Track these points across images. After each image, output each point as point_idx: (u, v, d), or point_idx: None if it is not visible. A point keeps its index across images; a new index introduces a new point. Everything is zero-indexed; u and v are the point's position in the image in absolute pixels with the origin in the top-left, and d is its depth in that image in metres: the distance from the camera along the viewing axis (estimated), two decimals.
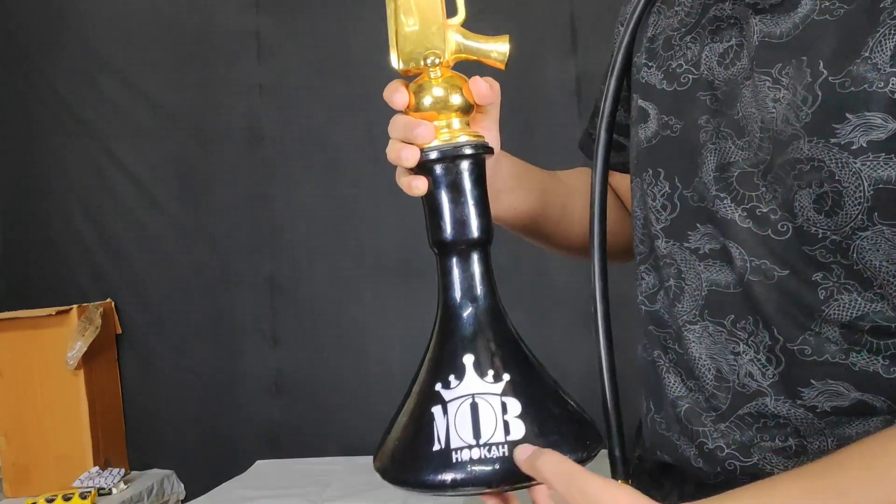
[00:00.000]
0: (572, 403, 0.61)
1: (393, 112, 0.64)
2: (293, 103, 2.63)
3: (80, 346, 2.48)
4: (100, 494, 2.33)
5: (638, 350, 0.78)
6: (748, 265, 0.64)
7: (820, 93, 0.59)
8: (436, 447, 0.57)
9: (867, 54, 0.57)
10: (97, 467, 2.46)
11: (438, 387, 0.59)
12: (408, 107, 0.63)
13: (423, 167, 0.62)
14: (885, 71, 0.56)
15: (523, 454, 0.56)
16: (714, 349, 0.67)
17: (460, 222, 0.62)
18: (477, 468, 0.56)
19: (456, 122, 0.63)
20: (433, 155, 0.61)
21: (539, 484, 0.57)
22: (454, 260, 0.62)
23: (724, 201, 0.65)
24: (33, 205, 2.80)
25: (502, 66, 0.65)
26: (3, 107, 2.82)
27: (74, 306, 2.54)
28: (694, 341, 0.69)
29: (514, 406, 0.58)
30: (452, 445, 0.57)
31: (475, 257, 0.62)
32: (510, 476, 0.56)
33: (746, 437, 0.66)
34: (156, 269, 2.71)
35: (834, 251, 0.60)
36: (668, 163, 0.71)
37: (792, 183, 0.60)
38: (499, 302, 0.63)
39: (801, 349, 0.62)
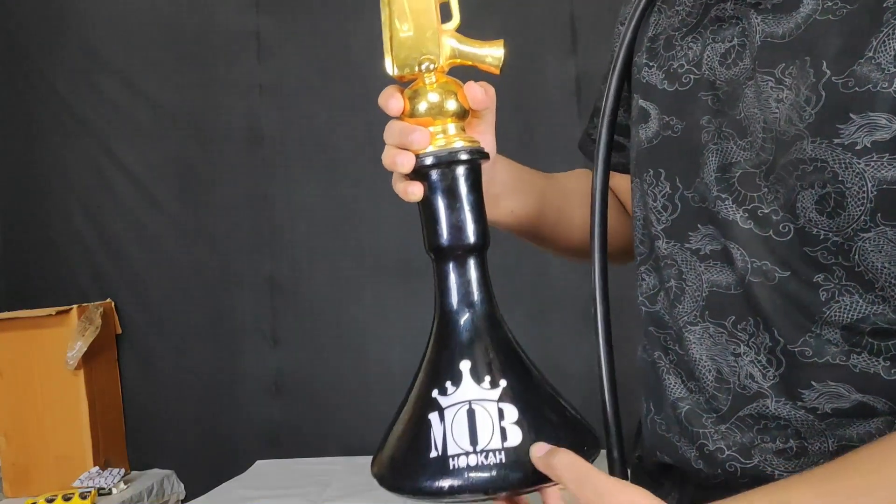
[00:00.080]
0: (570, 409, 0.61)
1: (389, 116, 0.64)
2: (293, 103, 2.63)
3: (80, 346, 2.48)
4: (100, 494, 2.33)
5: (638, 351, 0.77)
6: (749, 266, 0.64)
7: (823, 93, 0.58)
8: (433, 454, 0.57)
9: (871, 54, 0.57)
10: (97, 467, 2.46)
11: (435, 393, 0.58)
12: (403, 112, 0.63)
13: (419, 173, 0.62)
14: (889, 71, 0.56)
15: (539, 451, 0.56)
16: (714, 350, 0.67)
17: (456, 228, 0.61)
18: (474, 475, 0.56)
19: (451, 127, 0.63)
20: (429, 161, 0.61)
21: (541, 488, 0.57)
22: (451, 265, 0.62)
23: (726, 202, 0.65)
24: (33, 205, 2.80)
25: (497, 71, 0.65)
26: (3, 107, 2.82)
27: (74, 306, 2.54)
28: (694, 342, 0.68)
29: (511, 412, 0.57)
30: (449, 452, 0.56)
31: (472, 263, 0.62)
32: (507, 482, 0.56)
33: (747, 439, 0.66)
34: (156, 269, 2.71)
35: (835, 252, 0.60)
36: (669, 163, 0.71)
37: (794, 183, 0.60)
38: (496, 308, 0.63)
39: (802, 351, 0.62)
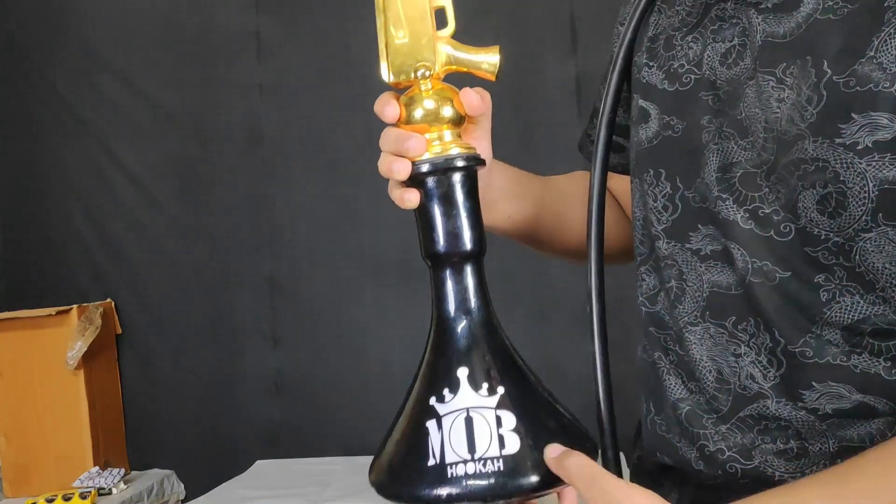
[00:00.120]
0: (567, 415, 0.61)
1: (385, 123, 0.64)
2: (293, 103, 2.63)
3: (80, 346, 2.47)
4: (100, 494, 2.33)
5: (638, 351, 0.77)
6: (750, 266, 0.64)
7: (825, 92, 0.58)
8: (430, 462, 0.57)
9: (872, 53, 0.57)
10: (97, 467, 2.46)
11: (433, 401, 0.58)
12: (399, 119, 0.63)
13: (415, 180, 0.62)
14: (890, 70, 0.56)
15: (553, 453, 0.56)
16: (715, 351, 0.67)
17: (453, 235, 0.61)
18: (472, 483, 0.56)
19: (447, 134, 0.63)
20: (425, 168, 0.61)
21: (540, 495, 0.57)
22: (447, 272, 0.62)
23: (727, 202, 0.65)
24: (33, 205, 2.80)
25: (493, 78, 0.64)
26: (3, 107, 2.82)
27: (74, 306, 2.54)
28: (695, 343, 0.68)
29: (509, 419, 0.57)
30: (447, 460, 0.56)
31: (468, 269, 0.62)
32: (505, 490, 0.56)
33: (747, 440, 0.66)
34: (156, 269, 2.71)
35: (836, 253, 0.60)
36: (670, 163, 0.71)
37: (796, 183, 0.60)
38: (493, 314, 0.62)
39: (803, 351, 0.62)
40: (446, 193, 0.61)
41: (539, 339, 2.43)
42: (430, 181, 0.62)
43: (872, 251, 0.58)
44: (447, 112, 0.62)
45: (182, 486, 2.64)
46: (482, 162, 0.63)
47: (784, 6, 0.62)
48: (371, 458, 0.62)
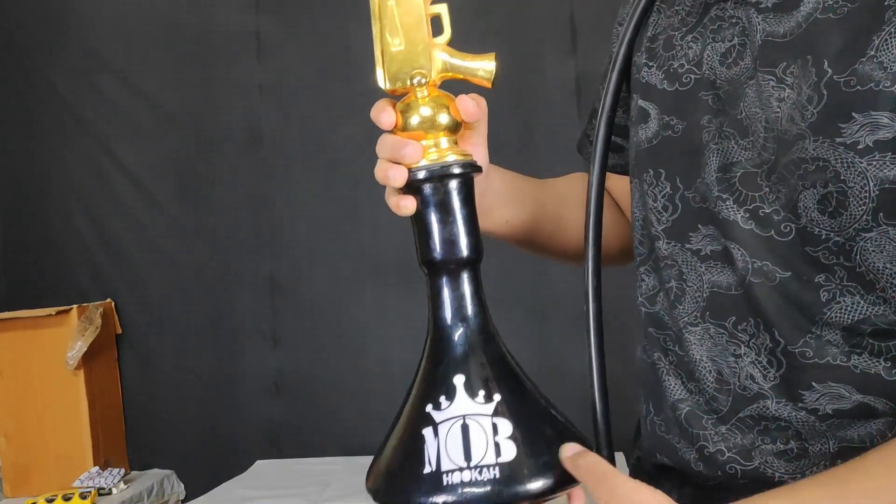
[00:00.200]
0: (565, 422, 0.61)
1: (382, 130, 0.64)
2: (293, 103, 2.63)
3: (80, 346, 2.47)
4: (100, 494, 2.33)
5: (637, 352, 0.77)
6: (750, 267, 0.64)
7: (825, 92, 0.58)
8: (426, 469, 0.57)
9: (873, 52, 0.57)
10: (97, 467, 2.46)
11: (429, 408, 0.58)
12: (395, 126, 0.63)
13: (412, 187, 0.62)
14: (891, 69, 0.56)
15: (568, 452, 0.56)
16: (715, 351, 0.67)
17: (449, 242, 0.61)
18: (468, 491, 0.56)
19: (444, 141, 0.63)
20: (421, 175, 0.61)
21: (538, 502, 0.57)
22: (444, 279, 0.62)
23: (727, 202, 0.65)
24: (33, 205, 2.80)
25: (489, 85, 0.65)
26: (3, 107, 2.82)
27: (74, 306, 2.54)
28: (695, 343, 0.68)
29: (506, 427, 0.57)
30: (443, 468, 0.56)
31: (465, 276, 0.62)
32: (501, 498, 0.56)
33: (747, 440, 0.66)
34: (156, 269, 2.71)
35: (837, 253, 0.60)
36: (670, 163, 0.71)
37: (796, 183, 0.60)
38: (490, 321, 0.62)
39: (803, 351, 0.62)
40: (443, 200, 0.62)
41: (539, 339, 2.43)
42: (427, 188, 0.62)
43: (873, 251, 0.58)
44: (443, 119, 0.62)
45: (182, 486, 2.64)
46: (478, 169, 0.63)
47: (784, 6, 0.62)
48: (371, 457, 0.62)
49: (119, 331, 2.71)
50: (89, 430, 2.51)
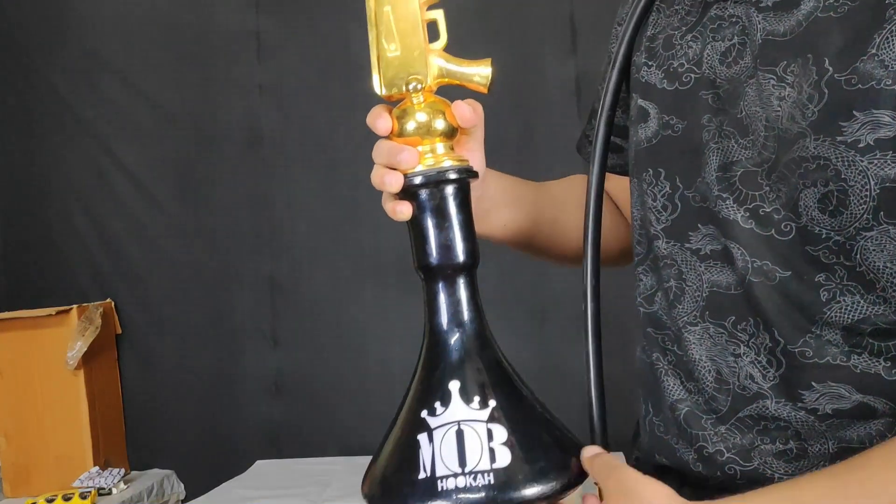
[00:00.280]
0: (560, 428, 0.61)
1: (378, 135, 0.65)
2: (293, 103, 2.63)
3: (80, 346, 2.47)
4: (100, 494, 2.33)
5: (636, 352, 0.77)
6: (750, 266, 0.64)
7: (826, 90, 0.58)
8: (421, 475, 0.57)
9: (874, 51, 0.57)
10: (97, 467, 2.46)
11: (424, 414, 0.58)
12: (391, 132, 0.63)
13: (408, 192, 0.62)
14: (892, 68, 0.56)
15: (588, 453, 0.58)
16: (714, 351, 0.67)
17: (445, 247, 0.61)
18: (462, 496, 0.56)
19: (440, 146, 0.63)
20: (417, 180, 0.61)
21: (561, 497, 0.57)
22: (440, 285, 0.62)
23: (727, 201, 0.65)
24: (33, 205, 2.80)
25: (485, 90, 0.65)
26: (3, 107, 2.82)
27: (74, 306, 2.54)
28: (694, 343, 0.68)
29: (501, 433, 0.57)
30: (438, 473, 0.56)
31: (461, 282, 0.62)
32: None
33: (747, 440, 0.65)
34: (156, 269, 2.71)
35: (837, 252, 0.60)
36: (669, 163, 0.71)
37: (797, 182, 0.60)
38: (486, 327, 0.62)
39: (802, 351, 0.62)
40: (439, 206, 0.62)
41: (539, 340, 2.43)
42: (423, 193, 0.62)
43: (873, 250, 0.58)
44: (439, 124, 0.63)
45: (182, 486, 2.64)
46: (474, 174, 0.63)
47: (784, 4, 0.62)
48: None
49: (119, 331, 2.71)
50: (89, 430, 2.51)
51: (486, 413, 0.58)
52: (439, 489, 0.56)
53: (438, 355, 0.61)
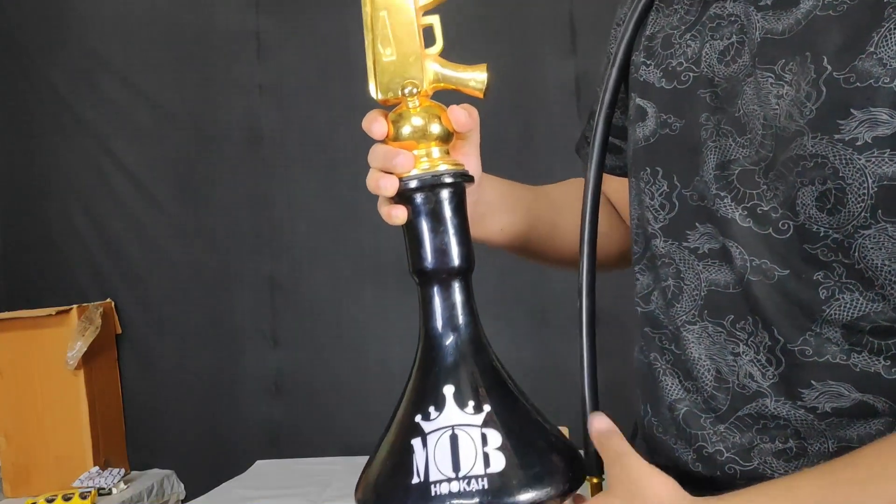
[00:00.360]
0: (554, 433, 0.61)
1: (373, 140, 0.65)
2: (293, 103, 2.63)
3: (80, 346, 2.47)
4: (100, 494, 2.33)
5: (635, 352, 0.77)
6: (748, 265, 0.64)
7: (824, 88, 0.58)
8: (415, 480, 0.56)
9: (872, 49, 0.57)
10: (97, 467, 2.46)
11: (418, 418, 0.58)
12: (387, 136, 0.63)
13: (403, 196, 0.62)
14: (890, 66, 0.56)
15: (599, 425, 0.58)
16: (713, 350, 0.67)
17: (441, 251, 0.61)
18: (456, 502, 0.55)
19: (435, 150, 0.63)
20: (412, 184, 0.62)
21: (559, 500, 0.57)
22: (435, 289, 0.62)
23: (724, 200, 0.65)
24: (33, 205, 2.80)
25: (481, 95, 0.65)
26: (3, 107, 2.82)
27: (74, 306, 2.54)
28: (693, 342, 0.68)
29: (495, 438, 0.57)
30: (431, 478, 0.56)
31: (456, 286, 0.62)
32: None
33: (746, 439, 0.65)
34: (156, 269, 2.71)
35: (835, 250, 0.60)
36: (667, 161, 0.71)
37: (794, 180, 0.60)
38: (481, 331, 0.62)
39: (802, 350, 0.62)
40: (434, 210, 0.62)
41: (539, 339, 2.43)
42: (418, 197, 0.62)
43: (871, 248, 0.58)
44: (435, 129, 0.63)
45: (182, 486, 2.64)
46: (470, 178, 0.64)
47: (783, 3, 0.62)
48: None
49: (119, 331, 2.71)
50: (89, 430, 2.51)
51: (480, 418, 0.57)
52: (433, 494, 0.56)
53: (433, 360, 0.61)
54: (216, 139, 2.68)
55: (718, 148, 0.66)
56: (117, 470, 2.43)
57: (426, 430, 0.57)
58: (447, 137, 0.64)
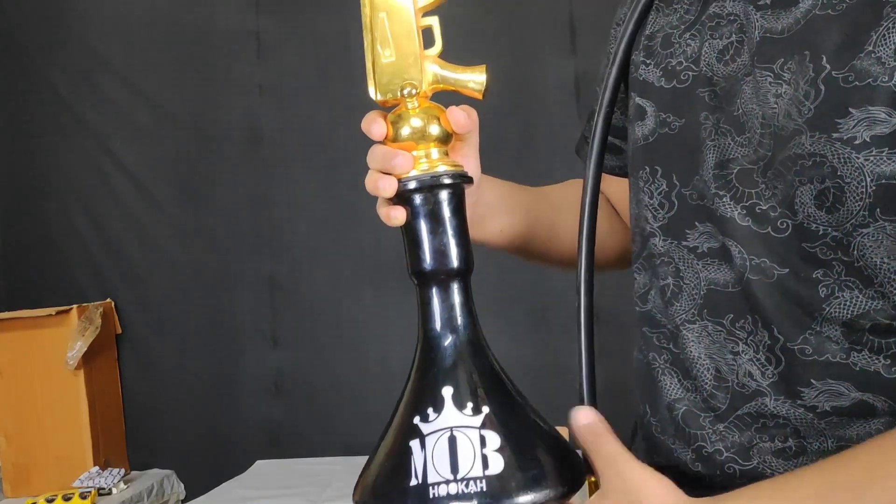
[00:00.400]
0: (553, 435, 0.60)
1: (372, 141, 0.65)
2: (293, 103, 2.63)
3: (80, 346, 2.48)
4: (100, 494, 2.33)
5: (634, 352, 0.77)
6: (747, 264, 0.64)
7: (823, 87, 0.58)
8: (413, 482, 0.56)
9: (871, 48, 0.57)
10: (97, 467, 2.46)
11: (417, 420, 0.58)
12: (386, 137, 0.63)
13: (402, 197, 0.62)
14: (889, 65, 0.56)
15: (584, 420, 0.56)
16: (713, 349, 0.67)
17: (439, 252, 0.61)
18: None
19: (434, 151, 0.63)
20: (411, 185, 0.61)
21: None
22: (434, 290, 0.62)
23: (723, 199, 0.65)
24: (33, 205, 2.80)
25: (480, 96, 0.65)
26: (3, 107, 2.82)
27: (74, 306, 2.54)
28: (692, 341, 0.68)
29: (494, 439, 0.56)
30: (430, 480, 0.55)
31: (455, 287, 0.62)
32: None
33: (745, 438, 0.65)
34: (156, 269, 2.71)
35: (834, 248, 0.60)
36: (666, 160, 0.71)
37: (793, 179, 0.60)
38: (480, 333, 0.62)
39: (802, 348, 0.62)
40: (433, 211, 0.61)
41: (539, 338, 2.43)
42: (417, 198, 0.62)
43: (870, 246, 0.58)
44: (434, 130, 0.63)
45: (182, 486, 2.64)
46: (469, 179, 0.64)
47: (782, 2, 0.62)
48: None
49: (119, 331, 2.71)
50: (89, 430, 2.51)
51: (479, 419, 0.57)
52: (431, 496, 0.55)
53: (432, 361, 0.61)
54: (216, 139, 2.68)
55: (717, 147, 0.66)
56: (117, 470, 2.43)
57: (425, 432, 0.57)
58: (446, 138, 0.64)
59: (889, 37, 0.56)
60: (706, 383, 0.67)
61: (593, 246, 0.71)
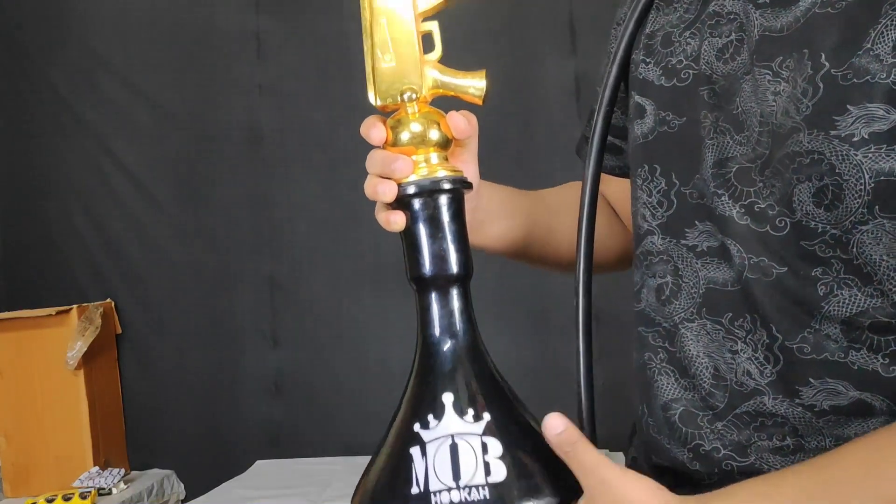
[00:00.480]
0: None
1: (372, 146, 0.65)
2: (293, 103, 2.63)
3: (80, 346, 2.48)
4: (100, 494, 2.33)
5: (633, 353, 0.77)
6: (746, 263, 0.64)
7: (821, 85, 0.58)
8: (414, 490, 0.56)
9: (869, 46, 0.57)
10: (97, 467, 2.46)
11: (417, 427, 0.58)
12: (385, 142, 0.63)
13: (401, 202, 0.62)
14: (887, 62, 0.56)
15: (556, 428, 0.55)
16: (712, 347, 0.67)
17: (439, 257, 0.61)
18: None
19: (434, 156, 0.63)
20: (411, 190, 0.61)
21: None
22: (433, 296, 0.62)
23: (722, 198, 0.65)
24: (33, 205, 2.80)
25: (480, 102, 0.65)
26: (3, 107, 2.82)
27: (74, 306, 2.54)
28: (691, 339, 0.68)
29: (495, 446, 0.56)
30: (431, 488, 0.55)
31: (454, 293, 0.62)
32: None
33: (743, 437, 0.65)
34: (156, 269, 2.71)
35: (833, 245, 0.60)
36: (666, 159, 0.71)
37: (791, 177, 0.60)
38: (479, 338, 0.62)
39: (801, 347, 0.62)
40: (432, 216, 0.61)
41: (539, 339, 2.43)
42: (417, 203, 0.62)
43: (869, 243, 0.59)
44: (434, 135, 0.63)
45: (182, 486, 2.64)
46: (469, 185, 0.63)
47: (782, 0, 0.63)
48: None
49: (119, 331, 2.71)
50: (89, 430, 2.51)
51: (480, 426, 0.57)
52: None
53: (431, 367, 0.60)
54: (216, 139, 2.68)
55: (716, 145, 0.66)
56: (117, 470, 2.43)
57: (425, 439, 0.57)
58: (446, 144, 0.64)
59: (887, 34, 0.56)
60: (704, 382, 0.67)
61: (591, 247, 0.71)
